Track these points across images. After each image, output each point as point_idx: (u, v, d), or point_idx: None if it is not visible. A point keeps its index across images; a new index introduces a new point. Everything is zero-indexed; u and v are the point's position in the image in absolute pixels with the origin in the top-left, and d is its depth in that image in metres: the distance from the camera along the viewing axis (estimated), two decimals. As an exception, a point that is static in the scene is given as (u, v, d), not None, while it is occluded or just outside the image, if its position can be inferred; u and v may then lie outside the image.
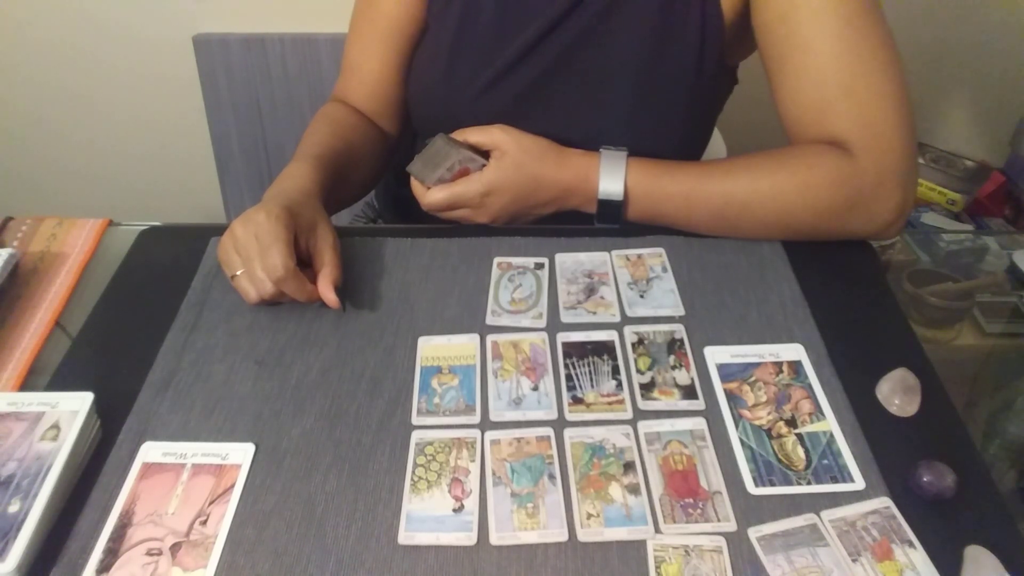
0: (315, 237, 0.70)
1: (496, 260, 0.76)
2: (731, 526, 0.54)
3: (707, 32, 0.78)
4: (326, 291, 0.68)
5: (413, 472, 0.57)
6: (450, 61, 0.83)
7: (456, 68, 0.83)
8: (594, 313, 0.70)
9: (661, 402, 0.62)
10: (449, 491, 0.56)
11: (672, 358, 0.66)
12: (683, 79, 0.80)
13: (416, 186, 0.79)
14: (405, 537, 0.53)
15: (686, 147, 0.86)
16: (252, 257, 0.66)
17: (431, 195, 0.77)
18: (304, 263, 0.69)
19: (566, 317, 0.70)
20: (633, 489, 0.56)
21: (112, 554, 0.52)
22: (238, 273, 0.67)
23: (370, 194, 1.13)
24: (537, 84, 0.81)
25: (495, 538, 0.53)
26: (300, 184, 0.73)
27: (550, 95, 0.81)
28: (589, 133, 0.79)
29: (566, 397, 0.63)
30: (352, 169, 0.84)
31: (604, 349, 0.67)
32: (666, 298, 0.71)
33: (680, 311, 0.70)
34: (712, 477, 0.57)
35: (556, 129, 0.79)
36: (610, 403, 0.62)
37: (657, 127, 0.81)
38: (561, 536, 0.53)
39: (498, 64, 0.81)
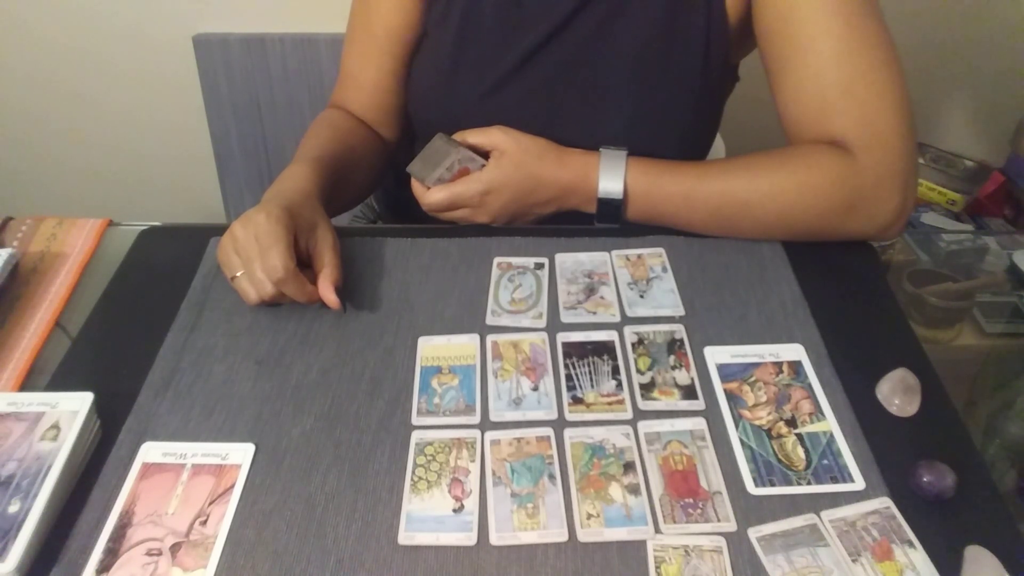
0: (315, 238, 0.70)
1: (496, 260, 0.76)
2: (731, 526, 0.54)
3: (712, 34, 0.77)
4: (326, 292, 0.68)
5: (413, 472, 0.57)
6: (452, 67, 0.83)
7: (459, 74, 0.83)
8: (594, 313, 0.70)
9: (661, 402, 0.62)
10: (449, 491, 0.56)
11: (672, 358, 0.66)
12: (689, 81, 0.79)
13: (416, 186, 0.79)
14: (405, 537, 0.53)
15: (692, 148, 0.86)
16: (252, 258, 0.66)
17: (431, 195, 0.77)
18: (304, 264, 0.69)
19: (566, 317, 0.70)
20: (633, 489, 0.56)
21: (112, 554, 0.52)
22: (238, 275, 0.67)
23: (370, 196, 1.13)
24: (541, 89, 0.81)
25: (495, 538, 0.53)
26: (299, 185, 0.73)
27: (555, 99, 0.81)
28: (595, 137, 0.79)
29: (566, 397, 0.63)
30: (351, 172, 0.84)
31: (604, 349, 0.67)
32: (666, 298, 0.71)
33: (680, 311, 0.70)
34: (712, 477, 0.57)
35: (561, 133, 0.79)
36: (610, 403, 0.62)
37: (663, 129, 0.81)
38: (561, 536, 0.53)
39: (501, 69, 0.81)
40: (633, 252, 0.76)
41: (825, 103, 0.72)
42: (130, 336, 0.68)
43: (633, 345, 0.67)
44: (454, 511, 0.55)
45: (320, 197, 0.74)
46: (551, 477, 0.57)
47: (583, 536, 0.53)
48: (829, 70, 0.71)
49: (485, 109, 0.81)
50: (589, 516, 0.54)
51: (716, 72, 0.80)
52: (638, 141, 0.78)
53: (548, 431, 0.60)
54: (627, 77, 0.79)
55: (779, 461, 0.58)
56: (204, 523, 0.54)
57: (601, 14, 0.78)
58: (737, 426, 0.60)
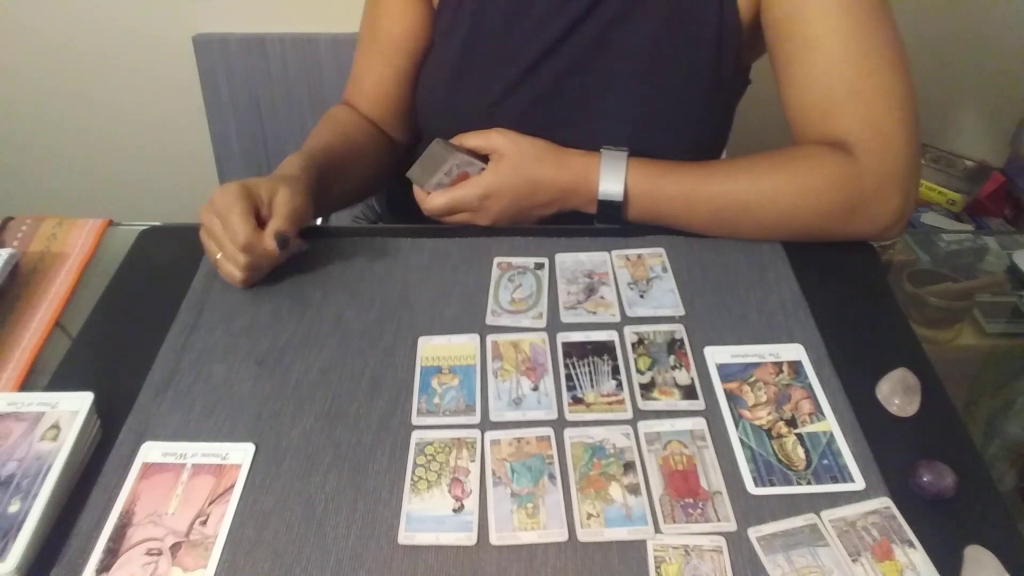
0: (273, 205, 0.69)
1: (496, 260, 0.76)
2: (731, 526, 0.54)
3: (724, 33, 0.77)
4: (267, 237, 0.67)
5: (413, 472, 0.57)
6: (458, 77, 0.83)
7: (464, 84, 0.83)
8: (594, 313, 0.70)
9: (661, 402, 0.62)
10: (449, 491, 0.56)
11: (672, 358, 0.66)
12: (701, 81, 0.79)
13: (417, 192, 0.79)
14: (405, 537, 0.53)
15: (703, 151, 0.84)
16: (219, 233, 0.68)
17: (431, 200, 0.77)
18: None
19: (566, 317, 0.70)
20: (633, 489, 0.56)
21: (112, 554, 0.52)
22: (218, 257, 0.69)
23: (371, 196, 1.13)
24: (548, 95, 0.80)
25: (495, 538, 0.53)
26: (280, 171, 0.74)
27: (563, 105, 0.80)
28: (605, 140, 0.78)
29: (566, 397, 0.63)
30: (349, 163, 0.84)
31: (604, 349, 0.67)
32: (666, 298, 0.71)
33: (680, 311, 0.70)
34: (712, 477, 0.57)
35: (569, 138, 0.78)
36: (610, 403, 0.62)
37: (674, 132, 0.80)
38: (561, 536, 0.53)
39: (508, 78, 0.80)
40: (633, 252, 0.76)
41: (831, 102, 0.71)
42: (130, 336, 0.68)
43: (633, 345, 0.67)
44: (454, 511, 0.55)
45: (305, 181, 0.74)
46: (551, 477, 0.57)
47: (583, 536, 0.53)
48: (836, 69, 0.70)
49: (492, 118, 0.81)
50: (589, 516, 0.54)
51: (728, 71, 0.79)
52: (648, 144, 0.77)
53: (548, 431, 0.60)
54: (639, 79, 0.78)
55: (779, 461, 0.58)
56: (204, 523, 0.54)
57: (609, 16, 0.77)
58: (737, 426, 0.60)
